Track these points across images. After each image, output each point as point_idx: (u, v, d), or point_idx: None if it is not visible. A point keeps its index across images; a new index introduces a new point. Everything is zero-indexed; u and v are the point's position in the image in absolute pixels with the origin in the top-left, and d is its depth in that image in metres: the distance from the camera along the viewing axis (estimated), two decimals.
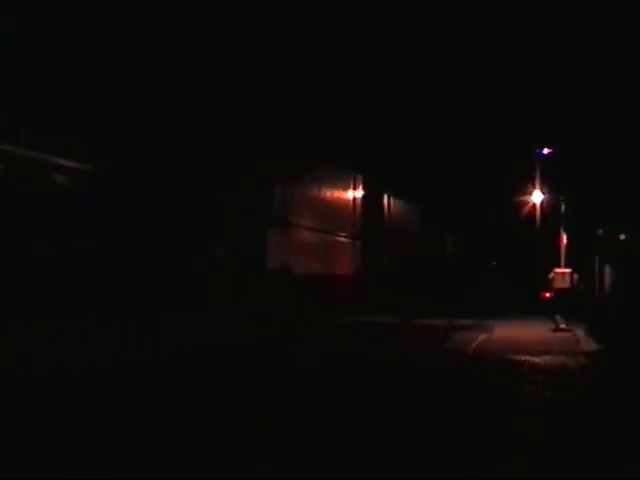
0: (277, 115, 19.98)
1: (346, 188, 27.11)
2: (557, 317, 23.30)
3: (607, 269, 17.41)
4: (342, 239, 26.24)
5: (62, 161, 12.86)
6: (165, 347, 12.69)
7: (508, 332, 19.57)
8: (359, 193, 28.38)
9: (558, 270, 27.37)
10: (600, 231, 19.35)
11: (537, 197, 33.66)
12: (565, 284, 26.28)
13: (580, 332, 18.33)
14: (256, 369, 11.50)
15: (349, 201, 27.31)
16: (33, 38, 12.19)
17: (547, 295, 28.52)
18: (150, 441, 6.68)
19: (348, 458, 6.26)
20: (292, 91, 21.57)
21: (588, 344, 16.16)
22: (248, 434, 7.01)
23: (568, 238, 29.04)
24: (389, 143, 31.85)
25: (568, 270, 27.17)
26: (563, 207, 30.35)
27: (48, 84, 12.58)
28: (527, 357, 13.65)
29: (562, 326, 21.10)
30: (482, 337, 17.91)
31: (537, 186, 33.28)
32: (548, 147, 32.53)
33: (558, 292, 26.45)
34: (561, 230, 29.47)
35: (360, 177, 28.20)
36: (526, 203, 35.41)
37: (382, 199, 31.94)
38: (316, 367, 12.07)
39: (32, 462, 5.89)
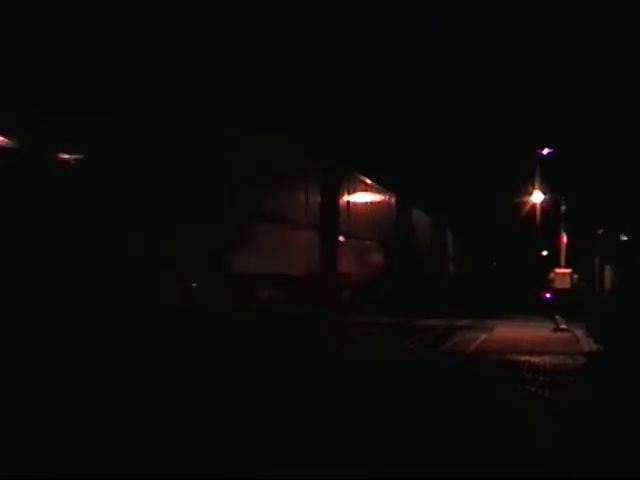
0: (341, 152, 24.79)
1: (384, 203, 30.86)
2: (557, 317, 23.31)
3: (607, 269, 17.41)
4: (380, 245, 29.18)
5: None
6: None
7: (508, 332, 19.58)
8: (393, 207, 32.15)
9: (558, 270, 27.38)
10: (600, 231, 19.34)
11: (537, 197, 33.61)
12: (565, 284, 26.30)
13: (580, 332, 18.32)
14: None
15: (386, 214, 30.88)
16: None
17: (547, 295, 28.56)
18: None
19: (346, 458, 6.28)
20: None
21: (588, 344, 16.16)
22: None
23: (568, 238, 29.03)
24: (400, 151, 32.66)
25: (568, 270, 27.19)
26: (563, 207, 30.33)
27: None
28: (527, 357, 13.67)
29: (562, 326, 21.10)
30: (482, 337, 17.93)
31: (537, 186, 33.23)
32: (548, 147, 32.51)
33: (558, 292, 26.47)
34: (561, 230, 29.46)
35: (394, 194, 31.68)
36: (526, 203, 35.37)
37: (404, 209, 33.22)
38: (323, 364, 12.10)
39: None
